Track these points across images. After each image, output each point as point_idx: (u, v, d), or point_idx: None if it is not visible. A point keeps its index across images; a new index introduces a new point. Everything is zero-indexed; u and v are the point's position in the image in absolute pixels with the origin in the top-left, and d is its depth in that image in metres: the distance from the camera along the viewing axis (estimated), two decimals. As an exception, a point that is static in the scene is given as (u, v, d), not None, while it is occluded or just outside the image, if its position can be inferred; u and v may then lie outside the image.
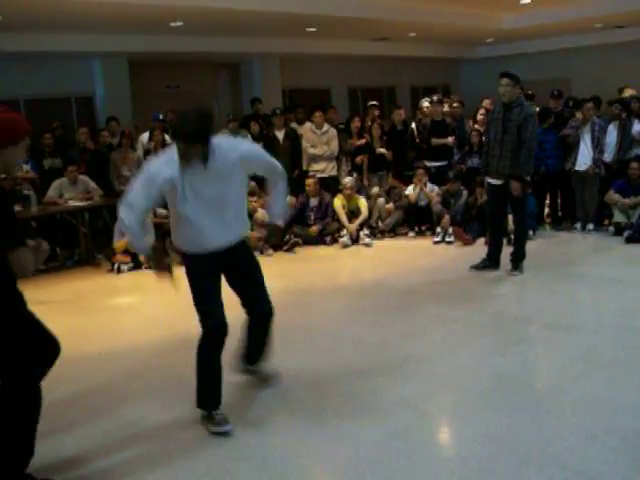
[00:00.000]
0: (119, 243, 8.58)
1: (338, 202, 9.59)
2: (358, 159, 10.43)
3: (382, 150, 10.38)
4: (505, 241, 7.63)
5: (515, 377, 4.46)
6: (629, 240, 8.26)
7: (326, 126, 10.28)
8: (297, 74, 15.72)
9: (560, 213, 9.64)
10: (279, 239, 4.39)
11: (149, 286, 8.09)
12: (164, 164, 3.79)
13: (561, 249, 8.50)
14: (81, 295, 7.66)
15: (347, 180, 9.70)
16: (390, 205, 9.87)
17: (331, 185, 10.16)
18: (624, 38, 16.03)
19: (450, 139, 10.02)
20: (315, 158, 10.18)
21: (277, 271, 8.49)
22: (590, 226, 9.04)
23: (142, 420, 4.20)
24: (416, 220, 9.72)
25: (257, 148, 4.60)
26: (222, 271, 4.05)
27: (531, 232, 8.74)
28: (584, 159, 8.93)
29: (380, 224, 9.85)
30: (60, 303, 7.32)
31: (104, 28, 11.19)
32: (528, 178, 6.95)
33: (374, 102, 11.48)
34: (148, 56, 12.88)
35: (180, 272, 3.99)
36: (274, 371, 4.59)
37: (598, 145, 8.89)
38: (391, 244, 9.43)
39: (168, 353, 5.41)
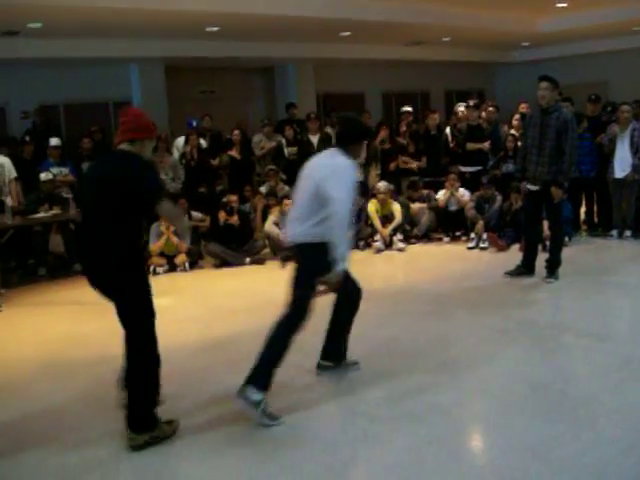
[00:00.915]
0: (154, 246, 8.69)
1: (372, 207, 9.60)
2: (392, 165, 10.48)
3: (411, 165, 10.40)
4: (540, 247, 7.57)
5: (550, 386, 4.44)
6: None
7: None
8: (331, 79, 15.74)
9: (596, 220, 9.53)
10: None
11: (184, 288, 8.20)
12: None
13: (597, 256, 8.42)
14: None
15: (380, 185, 9.71)
16: (419, 205, 9.81)
17: (361, 189, 10.16)
18: (663, 40, 15.79)
19: (486, 144, 9.97)
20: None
21: (310, 275, 8.52)
22: (627, 233, 8.92)
23: (175, 417, 4.24)
24: (450, 225, 9.70)
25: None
26: None
27: (567, 239, 8.65)
28: (622, 165, 8.80)
29: (415, 230, 9.83)
30: (95, 304, 7.31)
31: (141, 34, 11.33)
32: (566, 184, 6.90)
33: (408, 108, 11.43)
34: (184, 61, 13.01)
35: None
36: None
37: (638, 151, 8.73)
38: (425, 249, 9.41)
39: (203, 355, 5.48)
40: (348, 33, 13.07)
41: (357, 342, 5.57)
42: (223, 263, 8.93)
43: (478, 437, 4.01)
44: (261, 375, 4.14)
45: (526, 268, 7.24)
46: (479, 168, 10.01)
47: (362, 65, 16.12)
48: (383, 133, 10.89)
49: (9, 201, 9.02)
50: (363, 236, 9.63)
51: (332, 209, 4.19)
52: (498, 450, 3.63)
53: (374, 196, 9.72)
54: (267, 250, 9.35)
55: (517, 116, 10.51)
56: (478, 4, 12.51)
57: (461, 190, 9.59)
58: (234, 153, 11.02)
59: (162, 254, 8.76)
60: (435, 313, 6.27)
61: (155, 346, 3.95)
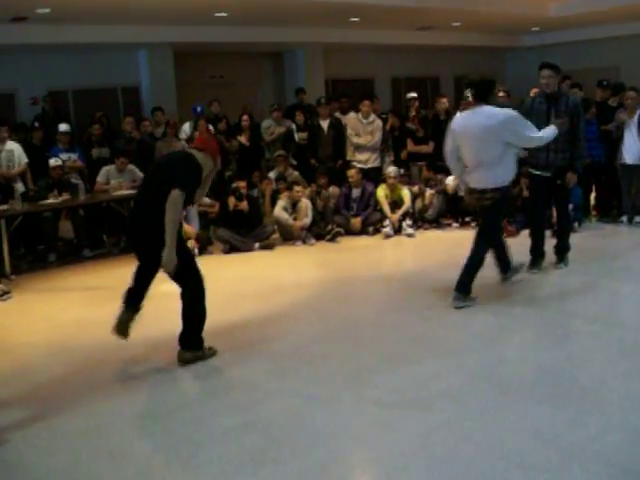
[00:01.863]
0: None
1: (381, 192, 9.57)
2: (403, 155, 10.49)
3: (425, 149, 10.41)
4: (550, 233, 7.53)
5: (559, 371, 4.43)
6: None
7: (372, 116, 10.29)
8: (340, 64, 15.69)
9: (606, 205, 9.48)
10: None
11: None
12: None
13: (607, 242, 8.38)
14: (127, 281, 7.75)
15: (391, 170, 9.68)
16: (430, 191, 9.77)
17: (373, 176, 10.16)
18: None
19: None
20: (359, 147, 10.18)
21: (319, 260, 8.54)
22: (638, 219, 8.87)
23: (184, 405, 4.27)
24: (459, 211, 9.66)
25: None
26: None
27: (576, 224, 8.63)
28: (631, 151, 8.75)
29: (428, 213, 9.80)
30: (107, 289, 7.44)
31: (150, 19, 11.31)
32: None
33: (413, 94, 11.33)
34: (192, 46, 12.99)
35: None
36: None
37: None
38: (434, 235, 9.39)
39: (211, 340, 5.47)
40: (357, 18, 13.01)
41: (366, 327, 5.60)
42: (232, 249, 8.93)
43: (488, 422, 4.01)
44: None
45: (536, 254, 7.15)
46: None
47: (371, 50, 16.06)
48: (392, 121, 10.87)
49: (19, 187, 9.06)
50: (372, 222, 9.61)
51: (534, 141, 5.88)
52: (507, 435, 3.63)
53: (384, 181, 9.69)
54: (276, 235, 9.35)
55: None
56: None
57: (471, 175, 9.54)
58: (243, 139, 11.01)
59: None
60: (444, 299, 6.25)
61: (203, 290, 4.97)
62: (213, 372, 4.82)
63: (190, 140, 9.96)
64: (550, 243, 7.22)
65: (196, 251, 8.77)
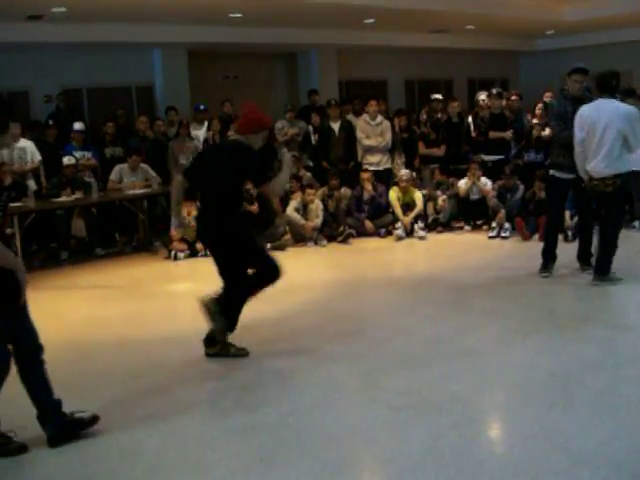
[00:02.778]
0: (176, 231, 8.73)
1: (393, 194, 9.57)
2: (417, 162, 10.55)
3: (434, 150, 10.39)
4: (561, 237, 7.49)
5: (570, 375, 4.42)
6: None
7: (380, 117, 10.27)
8: (354, 66, 15.67)
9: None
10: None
11: (205, 273, 8.21)
12: None
13: (619, 247, 8.32)
14: (138, 281, 7.82)
15: (403, 172, 9.68)
16: (442, 196, 9.76)
17: (385, 177, 10.15)
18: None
19: (508, 133, 9.89)
20: (370, 150, 10.17)
21: (331, 262, 8.55)
22: (649, 224, 8.84)
23: (193, 404, 4.28)
24: (471, 214, 9.65)
25: None
26: None
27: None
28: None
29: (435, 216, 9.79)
30: (118, 288, 7.50)
31: (164, 19, 11.34)
32: None
33: (438, 96, 11.27)
34: (206, 47, 13.00)
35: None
36: None
37: None
38: (446, 238, 9.38)
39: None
40: (372, 20, 13.00)
41: (376, 329, 5.59)
42: (244, 249, 8.94)
43: (497, 426, 4.01)
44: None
45: (548, 257, 7.11)
46: (501, 157, 9.92)
47: (385, 52, 16.04)
48: (398, 122, 10.87)
49: (31, 185, 9.09)
50: (384, 224, 9.61)
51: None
52: (517, 439, 3.62)
53: (396, 184, 9.69)
54: (288, 237, 9.35)
55: (540, 105, 10.40)
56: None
57: (483, 179, 9.53)
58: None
59: (183, 239, 8.80)
60: (455, 302, 6.26)
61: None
62: (222, 372, 4.83)
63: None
64: (561, 247, 7.19)
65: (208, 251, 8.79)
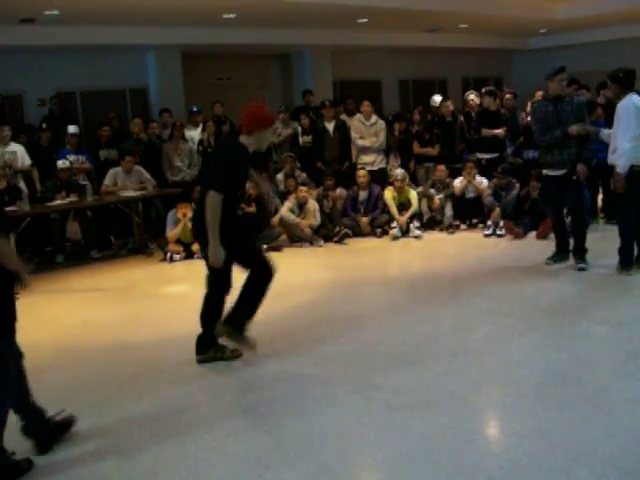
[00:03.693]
0: (171, 233, 8.73)
1: (389, 194, 9.57)
2: (411, 165, 10.59)
3: (428, 150, 10.39)
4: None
5: (566, 373, 4.42)
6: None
7: (374, 118, 10.27)
8: (348, 66, 15.69)
9: (613, 207, 9.43)
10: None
11: (201, 276, 8.20)
12: None
13: (614, 244, 8.33)
14: (134, 283, 7.81)
15: (398, 172, 9.68)
16: (439, 196, 9.75)
17: (379, 177, 10.15)
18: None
19: (500, 130, 9.88)
20: (364, 150, 10.17)
21: (327, 262, 8.55)
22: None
23: (190, 406, 4.27)
24: (466, 213, 9.65)
25: None
26: None
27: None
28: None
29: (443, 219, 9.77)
30: (114, 291, 7.48)
31: (158, 21, 11.34)
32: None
33: (437, 101, 11.24)
34: (200, 48, 13.01)
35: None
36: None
37: None
38: (441, 237, 9.38)
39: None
40: (365, 20, 13.02)
41: (372, 328, 5.59)
42: (239, 250, 8.93)
43: (494, 424, 4.00)
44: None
45: (563, 252, 7.22)
46: (496, 155, 9.93)
47: (379, 52, 16.06)
48: (398, 126, 10.90)
49: (23, 186, 9.07)
50: (380, 223, 9.61)
51: None
52: (514, 437, 3.62)
53: (391, 184, 9.69)
54: (284, 237, 9.35)
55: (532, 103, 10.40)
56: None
57: (478, 178, 9.54)
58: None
59: (179, 241, 8.79)
60: (451, 300, 6.26)
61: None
62: (218, 374, 4.82)
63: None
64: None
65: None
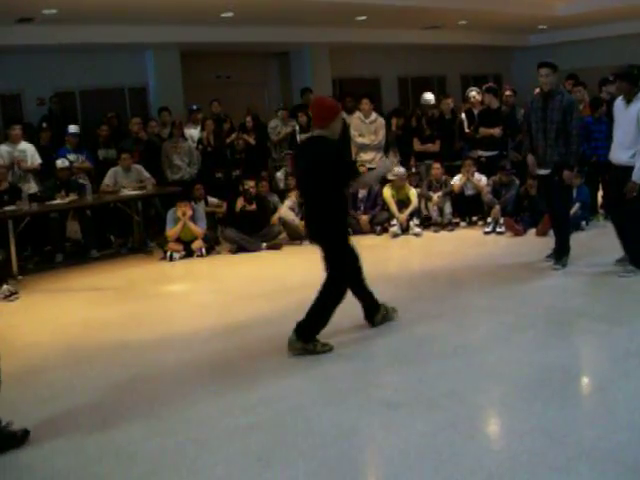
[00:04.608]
0: (171, 232, 8.72)
1: (388, 192, 9.57)
2: (412, 163, 10.56)
3: (429, 146, 10.37)
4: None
5: (566, 370, 4.41)
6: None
7: (374, 115, 10.27)
8: (347, 63, 15.66)
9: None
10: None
11: (201, 274, 8.23)
12: None
13: (613, 240, 8.31)
14: (134, 282, 7.80)
15: (397, 170, 9.66)
16: (437, 194, 9.73)
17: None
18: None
19: (497, 130, 9.85)
20: (363, 147, 10.16)
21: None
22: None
23: (191, 405, 4.27)
24: (466, 210, 9.64)
25: None
26: None
27: (584, 223, 8.66)
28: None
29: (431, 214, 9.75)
30: (114, 290, 7.48)
31: (156, 20, 11.32)
32: (580, 168, 6.90)
33: (429, 98, 11.21)
34: (199, 47, 12.99)
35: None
36: None
37: None
38: (441, 234, 9.37)
39: (217, 340, 5.49)
40: (364, 17, 13.00)
41: (372, 327, 5.58)
42: (239, 249, 8.94)
43: (494, 422, 4.00)
44: None
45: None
46: (495, 153, 9.92)
47: (378, 49, 16.04)
48: (396, 121, 10.87)
49: (32, 187, 9.07)
50: (379, 221, 9.60)
51: None
52: (514, 435, 3.62)
53: (389, 181, 9.68)
54: (283, 235, 9.35)
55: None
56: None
57: (477, 175, 9.53)
58: (249, 139, 11.03)
59: (179, 240, 8.78)
60: (451, 298, 6.26)
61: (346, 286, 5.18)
62: (219, 372, 4.82)
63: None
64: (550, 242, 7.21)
65: (204, 251, 8.79)
